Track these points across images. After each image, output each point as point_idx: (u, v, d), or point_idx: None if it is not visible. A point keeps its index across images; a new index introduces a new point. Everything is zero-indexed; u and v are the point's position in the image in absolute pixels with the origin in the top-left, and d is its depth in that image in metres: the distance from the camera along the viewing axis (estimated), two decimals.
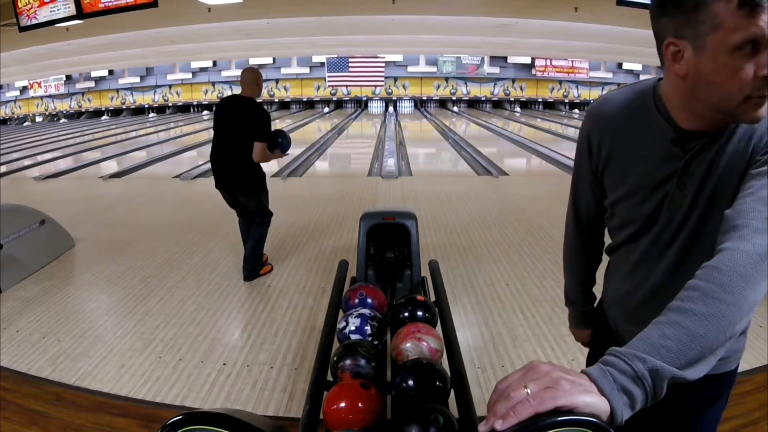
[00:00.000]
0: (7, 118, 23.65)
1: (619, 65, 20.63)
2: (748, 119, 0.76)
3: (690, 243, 0.91)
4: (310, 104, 21.32)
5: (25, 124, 22.54)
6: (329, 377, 1.48)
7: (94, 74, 21.32)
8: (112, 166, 8.72)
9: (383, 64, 20.04)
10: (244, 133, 3.10)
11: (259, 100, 3.24)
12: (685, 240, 0.92)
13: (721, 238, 0.70)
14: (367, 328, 1.55)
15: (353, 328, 1.56)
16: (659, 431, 0.91)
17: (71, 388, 2.16)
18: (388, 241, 2.54)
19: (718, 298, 0.63)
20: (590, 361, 1.18)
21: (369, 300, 1.77)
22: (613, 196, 1.01)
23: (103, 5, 5.93)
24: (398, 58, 20.19)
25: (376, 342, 1.51)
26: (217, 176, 3.26)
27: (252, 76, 3.20)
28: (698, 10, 0.71)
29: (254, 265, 3.35)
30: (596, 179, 1.06)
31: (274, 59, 19.92)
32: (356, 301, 1.78)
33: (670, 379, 0.59)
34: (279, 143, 3.26)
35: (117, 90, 21.98)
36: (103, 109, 22.45)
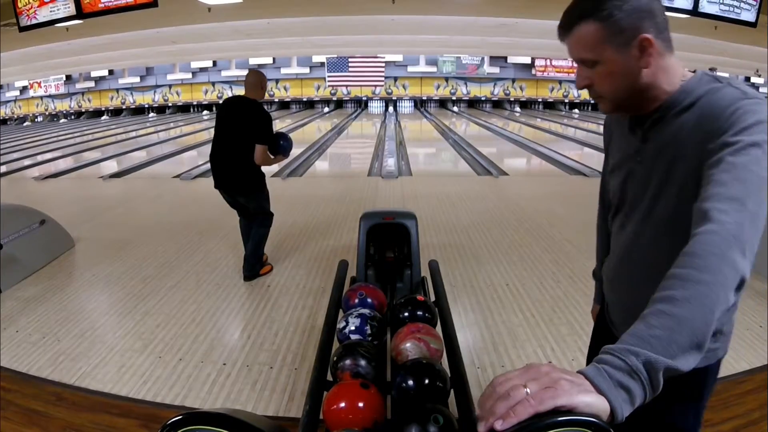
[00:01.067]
0: (7, 118, 23.64)
1: None
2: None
3: (647, 213, 0.97)
4: (310, 104, 21.32)
5: (25, 124, 22.54)
6: (329, 377, 1.48)
7: (94, 74, 21.32)
8: (112, 166, 8.72)
9: (383, 64, 20.04)
10: (244, 134, 3.09)
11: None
12: (644, 211, 0.97)
13: (692, 229, 0.73)
14: (367, 328, 1.55)
15: (353, 328, 1.57)
16: (644, 429, 0.91)
17: (71, 388, 2.16)
18: (388, 241, 2.54)
19: (697, 280, 0.64)
20: (588, 360, 1.19)
21: (369, 300, 1.77)
22: (607, 176, 1.17)
23: (103, 5, 5.93)
24: (398, 58, 20.18)
25: (375, 342, 1.51)
26: (216, 176, 3.25)
27: (256, 79, 3.17)
28: None
29: (254, 265, 3.35)
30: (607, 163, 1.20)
31: (274, 59, 19.91)
32: (356, 300, 1.78)
33: (665, 371, 0.59)
34: (280, 146, 3.24)
35: (117, 90, 21.99)
36: (103, 109, 22.45)
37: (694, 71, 0.96)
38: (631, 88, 0.90)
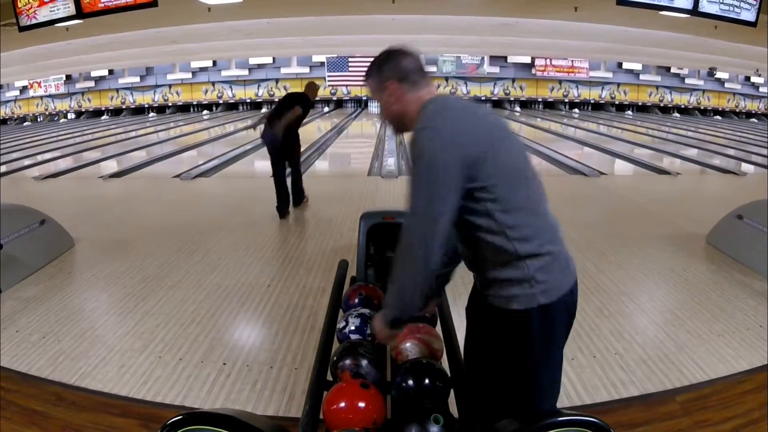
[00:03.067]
0: (7, 118, 23.64)
1: (619, 65, 20.63)
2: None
3: None
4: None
5: (25, 124, 22.54)
6: (329, 377, 1.48)
7: (94, 74, 21.29)
8: (112, 166, 8.71)
9: None
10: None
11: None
12: None
13: None
14: (367, 328, 1.55)
15: (353, 327, 1.56)
16: (493, 366, 1.26)
17: (71, 388, 2.16)
18: (388, 240, 2.54)
19: (397, 263, 1.20)
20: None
21: (369, 299, 1.77)
22: None
23: (103, 5, 5.93)
24: None
25: (376, 341, 1.51)
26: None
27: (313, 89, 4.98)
28: None
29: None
30: None
31: (274, 59, 19.91)
32: (356, 300, 1.77)
33: (400, 317, 1.27)
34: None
35: (117, 90, 21.96)
36: (103, 108, 22.44)
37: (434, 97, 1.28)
38: (392, 115, 1.34)
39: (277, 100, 22.15)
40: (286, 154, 4.94)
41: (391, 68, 1.29)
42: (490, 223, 1.15)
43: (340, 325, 1.60)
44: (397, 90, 1.28)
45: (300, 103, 4.75)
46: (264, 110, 20.89)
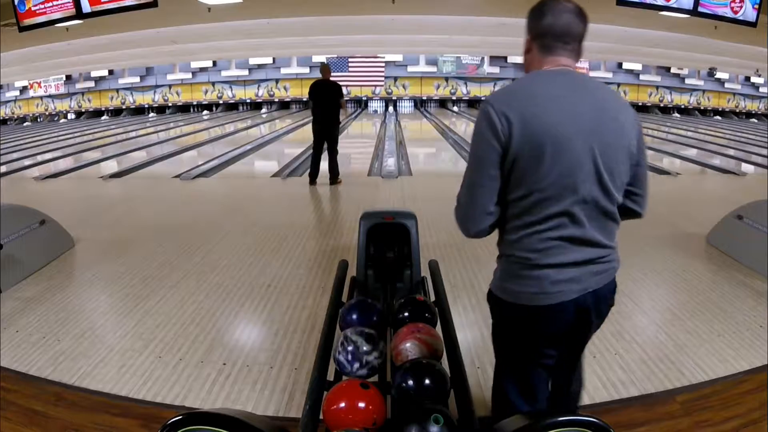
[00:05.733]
0: (7, 118, 23.63)
1: (619, 65, 20.63)
2: None
3: None
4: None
5: (25, 124, 22.54)
6: (329, 377, 1.48)
7: (94, 74, 21.30)
8: (112, 166, 8.71)
9: (383, 64, 20.03)
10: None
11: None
12: None
13: None
14: (356, 362, 1.48)
15: (342, 359, 1.50)
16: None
17: (71, 388, 2.15)
18: (388, 240, 2.53)
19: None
20: None
21: (366, 314, 1.74)
22: None
23: (103, 5, 5.93)
24: (398, 58, 20.17)
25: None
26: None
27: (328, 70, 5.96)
28: None
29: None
30: None
31: (274, 59, 19.91)
32: (354, 317, 1.74)
33: None
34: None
35: (117, 90, 21.96)
36: (103, 109, 22.44)
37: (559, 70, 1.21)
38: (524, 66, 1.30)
39: (277, 100, 22.01)
40: (326, 134, 5.97)
41: (533, 21, 1.19)
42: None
43: (335, 350, 1.57)
44: (528, 45, 1.22)
45: (337, 92, 5.84)
46: (264, 110, 20.91)
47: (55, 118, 22.89)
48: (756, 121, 22.38)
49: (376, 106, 21.08)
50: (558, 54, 1.18)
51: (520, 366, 1.33)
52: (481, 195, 1.19)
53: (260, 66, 20.39)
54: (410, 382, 1.37)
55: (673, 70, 21.23)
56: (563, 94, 1.13)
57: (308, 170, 6.18)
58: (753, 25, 6.25)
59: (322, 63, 6.17)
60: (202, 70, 20.76)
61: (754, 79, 21.50)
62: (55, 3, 6.02)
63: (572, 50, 1.19)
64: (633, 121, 1.19)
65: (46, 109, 23.19)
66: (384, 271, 2.48)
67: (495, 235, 1.37)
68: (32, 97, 23.13)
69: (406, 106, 21.20)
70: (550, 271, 1.16)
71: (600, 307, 1.23)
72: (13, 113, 23.80)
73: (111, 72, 21.17)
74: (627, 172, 1.19)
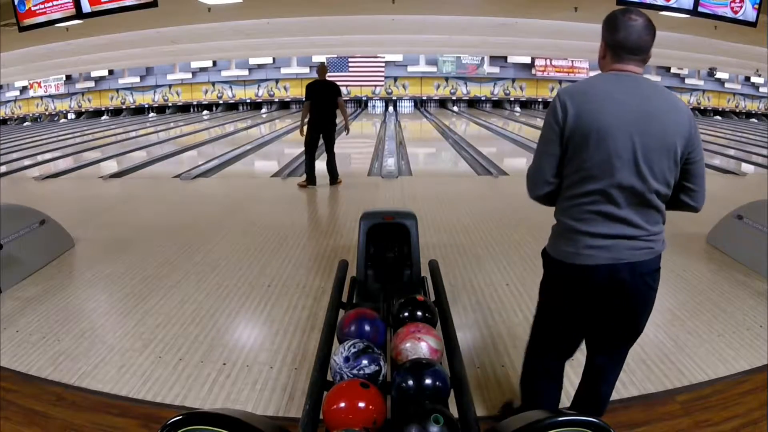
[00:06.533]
0: (7, 118, 23.63)
1: None
2: None
3: None
4: None
5: (25, 124, 22.54)
6: (329, 377, 1.48)
7: (94, 74, 21.30)
8: (112, 166, 8.71)
9: (383, 64, 20.03)
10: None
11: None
12: None
13: None
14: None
15: (339, 378, 1.48)
16: None
17: (71, 388, 2.15)
18: (388, 240, 2.54)
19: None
20: None
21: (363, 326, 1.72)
22: None
23: (103, 5, 5.92)
24: (398, 58, 20.17)
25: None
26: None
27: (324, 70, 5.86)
28: None
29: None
30: None
31: (274, 59, 19.91)
32: (352, 329, 1.71)
33: None
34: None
35: (117, 90, 21.97)
36: (103, 109, 22.44)
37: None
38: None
39: (277, 100, 22.07)
40: (324, 135, 5.89)
41: (607, 32, 1.40)
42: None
43: (334, 352, 1.55)
44: (602, 50, 1.44)
45: (335, 92, 5.75)
46: (264, 110, 20.91)
47: (55, 118, 22.89)
48: (756, 121, 22.39)
49: (379, 105, 21.14)
50: (627, 63, 1.38)
51: (556, 316, 1.54)
52: (542, 165, 1.43)
53: (260, 66, 20.39)
54: (410, 382, 1.37)
55: (673, 70, 21.22)
56: (617, 95, 1.33)
57: (307, 171, 6.04)
58: (753, 25, 6.24)
59: (321, 63, 6.12)
60: (202, 70, 20.76)
61: (754, 79, 21.50)
62: (55, 3, 6.02)
63: (640, 60, 1.38)
64: (681, 125, 1.33)
65: (46, 109, 23.19)
66: (384, 271, 2.48)
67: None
68: (32, 97, 23.14)
69: (406, 106, 21.20)
70: (586, 237, 1.37)
71: (636, 281, 1.39)
72: (13, 113, 23.81)
73: (111, 72, 21.17)
74: (671, 169, 1.34)
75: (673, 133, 1.32)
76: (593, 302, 1.44)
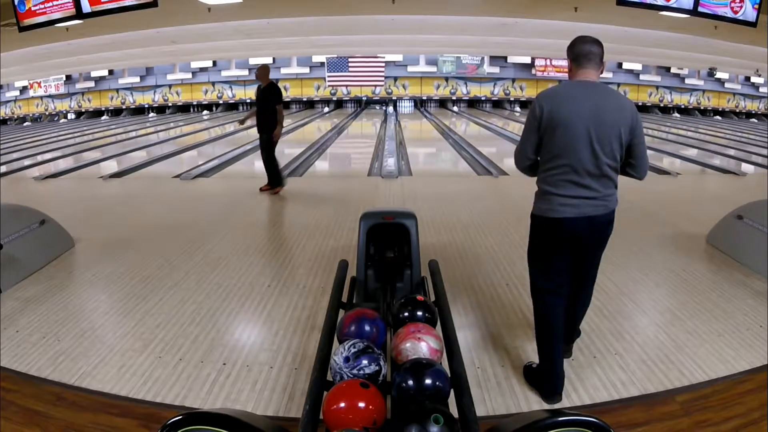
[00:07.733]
0: (7, 118, 23.63)
1: (619, 65, 20.62)
2: None
3: None
4: (310, 104, 21.29)
5: (25, 124, 22.54)
6: (329, 377, 1.48)
7: (94, 74, 21.30)
8: (112, 166, 8.71)
9: (383, 64, 20.03)
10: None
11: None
12: None
13: None
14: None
15: (338, 378, 1.48)
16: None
17: (71, 388, 2.15)
18: (388, 240, 2.54)
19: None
20: None
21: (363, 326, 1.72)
22: None
23: (103, 5, 5.92)
24: (398, 58, 20.17)
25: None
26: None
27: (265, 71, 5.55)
28: None
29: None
30: None
31: (274, 59, 19.90)
32: (352, 329, 1.71)
33: None
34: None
35: (117, 90, 21.96)
36: (103, 109, 22.44)
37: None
38: None
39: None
40: (261, 140, 5.75)
41: (570, 50, 1.90)
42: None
43: (334, 353, 1.55)
44: (569, 65, 1.93)
45: (274, 97, 5.56)
46: None
47: (55, 118, 22.88)
48: (756, 121, 22.38)
49: (406, 105, 21.23)
50: (586, 69, 1.87)
51: (542, 256, 2.06)
52: (525, 147, 1.96)
53: None
54: (410, 382, 1.37)
55: (673, 70, 21.23)
56: (578, 97, 1.83)
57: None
58: (753, 25, 6.24)
59: (261, 65, 5.73)
60: (202, 70, 20.75)
61: (754, 79, 21.50)
62: (55, 3, 6.02)
63: (595, 66, 1.86)
64: (625, 118, 1.83)
65: (46, 109, 23.19)
66: (384, 271, 2.48)
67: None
68: (32, 97, 23.14)
69: (406, 106, 21.20)
70: (559, 198, 1.89)
71: (593, 229, 1.93)
72: (13, 113, 23.80)
73: (111, 72, 21.17)
74: (618, 148, 1.84)
75: (619, 124, 1.81)
76: (565, 242, 1.95)
